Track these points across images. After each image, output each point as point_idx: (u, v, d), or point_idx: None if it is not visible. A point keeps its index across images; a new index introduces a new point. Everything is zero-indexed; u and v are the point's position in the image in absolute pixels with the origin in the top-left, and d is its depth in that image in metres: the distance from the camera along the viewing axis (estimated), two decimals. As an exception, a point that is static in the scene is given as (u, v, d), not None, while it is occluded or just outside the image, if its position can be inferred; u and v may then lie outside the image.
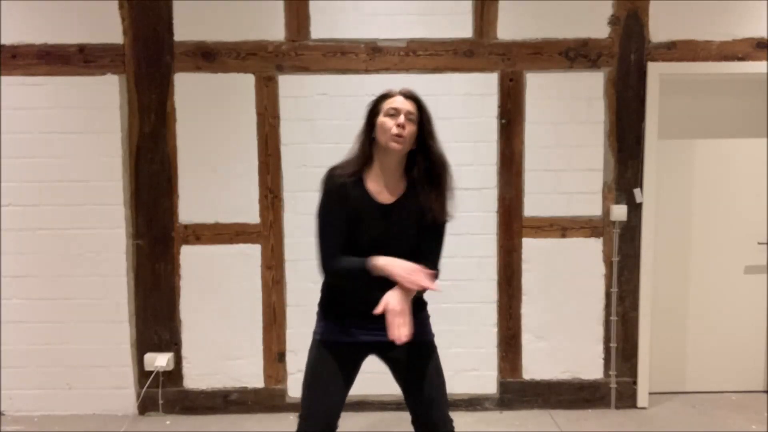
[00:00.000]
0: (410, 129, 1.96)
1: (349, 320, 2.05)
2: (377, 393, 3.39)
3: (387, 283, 1.93)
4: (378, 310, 1.85)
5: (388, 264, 1.88)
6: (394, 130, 1.93)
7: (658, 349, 3.72)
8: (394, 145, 1.94)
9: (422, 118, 2.00)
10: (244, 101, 3.42)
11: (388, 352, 2.08)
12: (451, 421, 2.07)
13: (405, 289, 1.89)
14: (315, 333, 2.11)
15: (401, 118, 1.94)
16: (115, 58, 3.39)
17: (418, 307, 2.11)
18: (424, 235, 2.04)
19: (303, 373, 2.09)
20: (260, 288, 3.50)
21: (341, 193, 1.97)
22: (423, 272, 1.87)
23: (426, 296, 2.17)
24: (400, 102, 1.98)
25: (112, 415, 3.50)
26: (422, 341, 2.08)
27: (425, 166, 2.01)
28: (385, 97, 2.01)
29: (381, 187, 2.02)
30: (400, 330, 1.83)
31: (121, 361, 3.49)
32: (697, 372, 3.77)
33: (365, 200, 1.99)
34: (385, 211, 1.99)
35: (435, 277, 2.01)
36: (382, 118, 1.97)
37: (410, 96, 2.01)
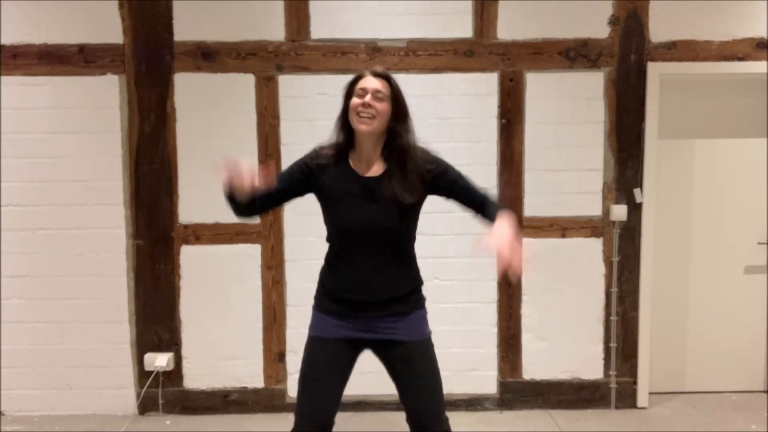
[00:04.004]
0: (380, 107, 1.96)
1: (344, 315, 2.05)
2: (377, 393, 3.39)
3: (370, 263, 1.98)
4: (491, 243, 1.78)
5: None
6: (359, 109, 1.95)
7: (658, 349, 3.71)
8: (361, 127, 1.96)
9: (394, 96, 2.00)
10: (244, 101, 3.42)
11: (383, 350, 2.07)
12: (446, 420, 2.05)
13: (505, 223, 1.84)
14: (310, 328, 2.11)
15: (368, 97, 1.95)
16: (115, 58, 3.39)
17: (414, 305, 2.11)
18: (458, 191, 2.04)
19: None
20: (260, 288, 3.50)
21: (306, 170, 2.05)
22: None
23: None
24: (368, 81, 1.98)
25: (112, 415, 3.50)
26: (417, 339, 2.06)
27: (393, 148, 2.02)
28: (356, 79, 2.03)
29: (363, 165, 2.04)
30: (517, 265, 1.72)
31: (121, 361, 3.49)
32: (697, 372, 3.78)
33: (346, 173, 2.03)
34: (366, 185, 2.01)
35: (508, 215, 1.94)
36: (352, 100, 1.99)
37: (379, 74, 2.01)
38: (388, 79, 2.01)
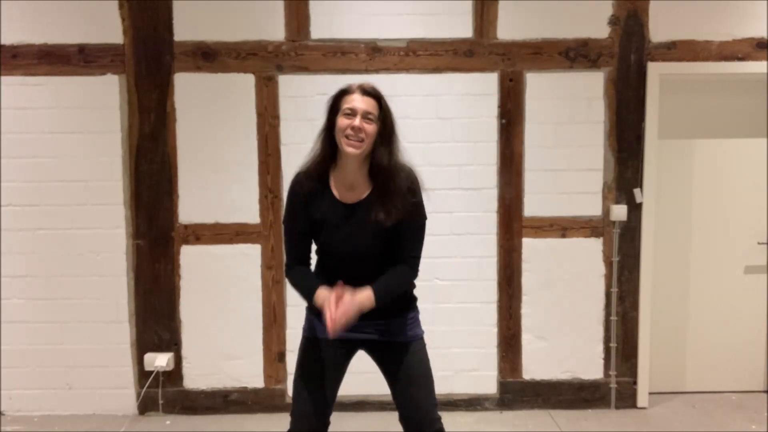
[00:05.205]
0: (369, 129, 1.87)
1: None
2: (377, 393, 3.38)
3: (357, 285, 1.93)
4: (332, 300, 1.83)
5: (324, 302, 1.86)
6: (347, 132, 1.86)
7: (658, 349, 3.71)
8: (349, 150, 1.86)
9: (383, 117, 1.90)
10: (244, 101, 3.42)
11: (375, 350, 2.08)
12: (438, 419, 2.04)
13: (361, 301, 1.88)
14: (304, 329, 2.12)
15: (357, 120, 1.85)
16: (115, 58, 3.39)
17: (405, 307, 2.09)
18: (399, 233, 1.98)
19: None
20: (260, 288, 3.50)
21: (304, 202, 1.97)
22: (350, 313, 1.82)
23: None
24: (357, 101, 1.88)
25: (112, 415, 3.50)
26: (408, 341, 2.06)
27: (376, 169, 1.92)
28: (343, 93, 1.92)
29: (346, 187, 1.97)
30: (335, 324, 1.79)
31: (121, 361, 3.49)
32: (697, 372, 3.77)
33: (330, 202, 1.97)
34: (349, 211, 1.95)
35: (414, 273, 2.01)
36: (339, 119, 1.88)
37: (369, 93, 1.90)
38: (377, 98, 1.91)
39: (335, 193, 1.97)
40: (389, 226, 1.92)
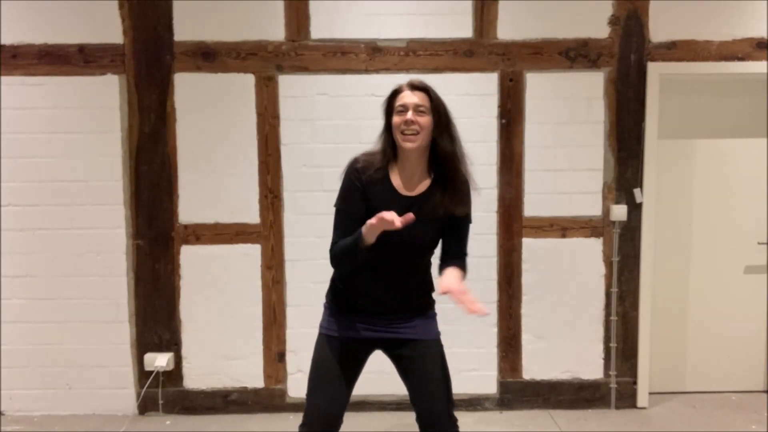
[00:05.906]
0: (423, 121, 1.94)
1: (356, 316, 2.06)
2: (377, 393, 3.39)
3: (391, 277, 1.95)
4: (441, 290, 1.80)
5: (369, 223, 1.82)
6: (402, 128, 1.93)
7: (658, 349, 3.72)
8: (407, 144, 1.93)
9: (434, 107, 1.97)
10: (244, 101, 3.42)
11: (394, 349, 2.09)
12: (455, 420, 2.07)
13: (456, 270, 1.91)
14: (321, 327, 2.12)
15: (409, 114, 1.92)
16: (115, 58, 3.39)
17: (424, 306, 2.13)
18: (447, 231, 2.04)
19: (304, 372, 2.09)
20: (260, 288, 3.50)
21: (361, 187, 1.97)
22: (398, 217, 1.79)
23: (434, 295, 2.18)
24: (407, 96, 1.95)
25: (112, 415, 3.50)
26: (428, 339, 2.08)
27: (439, 160, 2.00)
28: (395, 93, 2.00)
29: (407, 181, 2.01)
30: (475, 305, 1.77)
31: (121, 361, 3.49)
32: (697, 372, 3.78)
33: (389, 192, 1.99)
34: (408, 204, 1.98)
35: (463, 273, 2.02)
36: (394, 118, 1.96)
37: (418, 87, 1.97)
38: (426, 90, 1.97)
39: (395, 184, 2.01)
40: (446, 217, 1.98)
